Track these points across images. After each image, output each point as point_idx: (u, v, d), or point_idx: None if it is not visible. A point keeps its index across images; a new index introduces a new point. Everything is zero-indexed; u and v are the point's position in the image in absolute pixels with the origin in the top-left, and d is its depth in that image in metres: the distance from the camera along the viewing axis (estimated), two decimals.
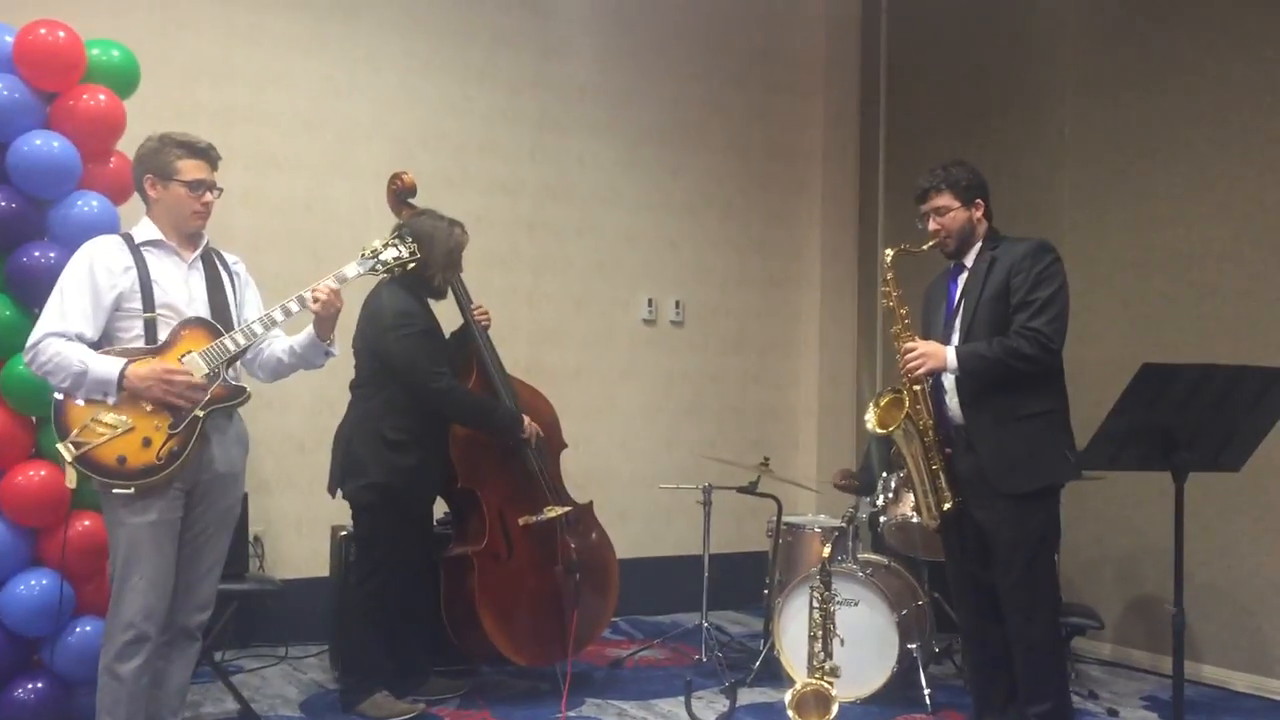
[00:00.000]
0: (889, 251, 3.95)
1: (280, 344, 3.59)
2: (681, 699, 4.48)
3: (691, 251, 6.72)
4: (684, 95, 6.68)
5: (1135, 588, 5.41)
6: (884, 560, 4.95)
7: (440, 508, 4.84)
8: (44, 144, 3.93)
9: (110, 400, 3.22)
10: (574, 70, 6.33)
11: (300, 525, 5.54)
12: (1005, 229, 4.02)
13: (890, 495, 5.04)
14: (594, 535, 4.86)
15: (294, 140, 5.58)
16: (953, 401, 3.81)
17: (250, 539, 5.13)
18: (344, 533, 4.81)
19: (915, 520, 4.92)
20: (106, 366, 3.21)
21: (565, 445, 4.96)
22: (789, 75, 7.03)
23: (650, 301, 6.59)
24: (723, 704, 4.51)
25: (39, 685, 3.91)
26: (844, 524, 4.80)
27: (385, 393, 4.37)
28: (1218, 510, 5.07)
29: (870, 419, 3.88)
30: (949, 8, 6.62)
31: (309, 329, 3.56)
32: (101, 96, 4.08)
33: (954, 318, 3.87)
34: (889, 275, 3.91)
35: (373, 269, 3.57)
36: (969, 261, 3.89)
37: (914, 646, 4.71)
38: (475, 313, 4.70)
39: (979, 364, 3.70)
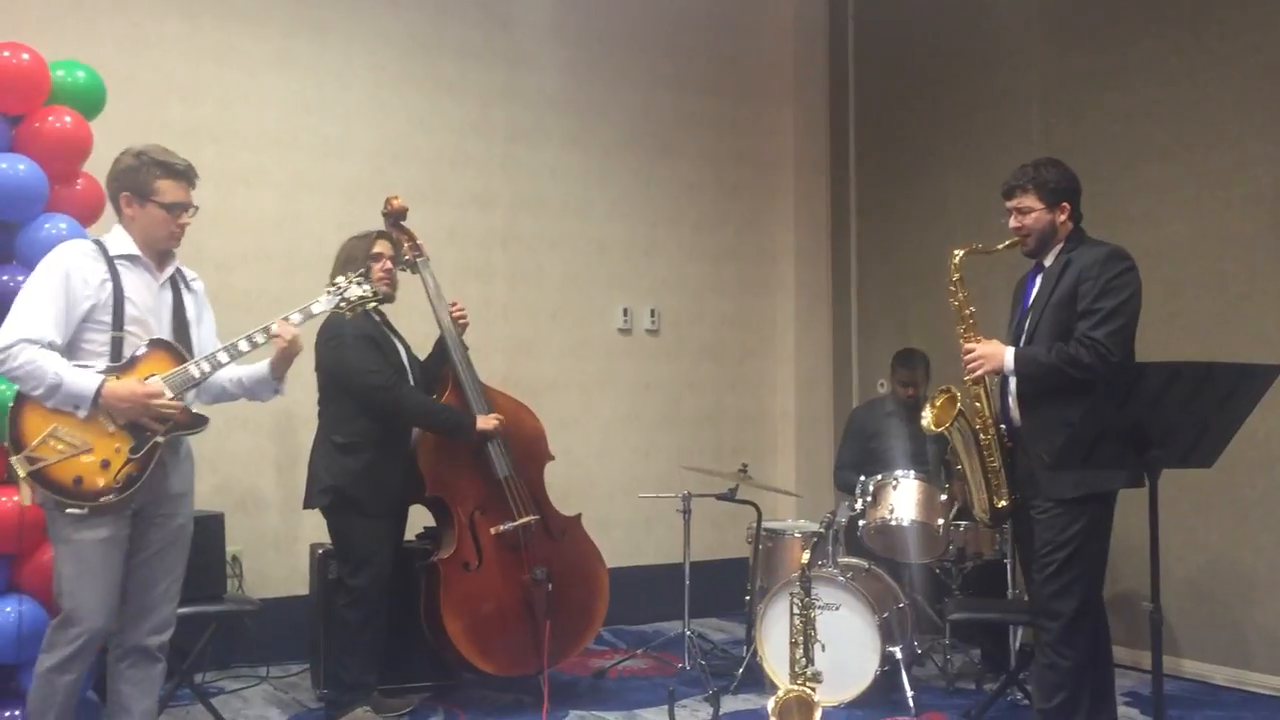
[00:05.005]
0: (958, 252, 3.92)
1: (228, 372, 3.53)
2: (665, 708, 4.48)
3: (665, 260, 6.74)
4: (653, 105, 6.70)
5: (1112, 585, 5.40)
6: (864, 564, 4.96)
7: (426, 520, 4.85)
8: (10, 167, 3.91)
9: (81, 414, 3.18)
10: (543, 82, 6.34)
11: (278, 544, 5.51)
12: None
13: (869, 499, 5.05)
14: (580, 547, 4.86)
15: (264, 158, 5.56)
16: (1014, 403, 3.80)
17: (228, 559, 5.09)
18: (322, 550, 4.79)
19: (894, 523, 4.96)
20: (83, 381, 3.18)
21: (552, 457, 4.96)
22: (758, 83, 7.06)
23: (625, 311, 6.60)
24: (706, 712, 4.52)
25: (16, 713, 3.87)
26: (823, 529, 4.81)
27: (334, 404, 4.46)
28: (1192, 506, 5.11)
29: (927, 417, 3.88)
30: (916, 13, 6.67)
31: (263, 364, 3.54)
32: (68, 118, 4.06)
33: (1024, 319, 3.84)
34: (956, 276, 3.89)
35: (337, 305, 3.57)
36: (1048, 262, 3.83)
37: (896, 649, 4.72)
38: (453, 310, 4.72)
39: (1035, 369, 3.68)
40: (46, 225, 3.97)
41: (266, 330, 3.42)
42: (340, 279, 3.63)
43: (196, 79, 5.41)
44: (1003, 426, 3.83)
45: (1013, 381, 3.79)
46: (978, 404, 3.82)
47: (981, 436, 3.80)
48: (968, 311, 3.88)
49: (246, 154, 5.52)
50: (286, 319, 3.45)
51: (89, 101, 4.20)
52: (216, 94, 5.45)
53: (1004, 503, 3.80)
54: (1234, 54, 5.12)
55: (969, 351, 3.80)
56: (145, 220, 3.38)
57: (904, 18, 6.74)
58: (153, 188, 3.35)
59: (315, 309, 3.54)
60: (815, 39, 7.18)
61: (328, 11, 5.74)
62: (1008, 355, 3.73)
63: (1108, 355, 3.57)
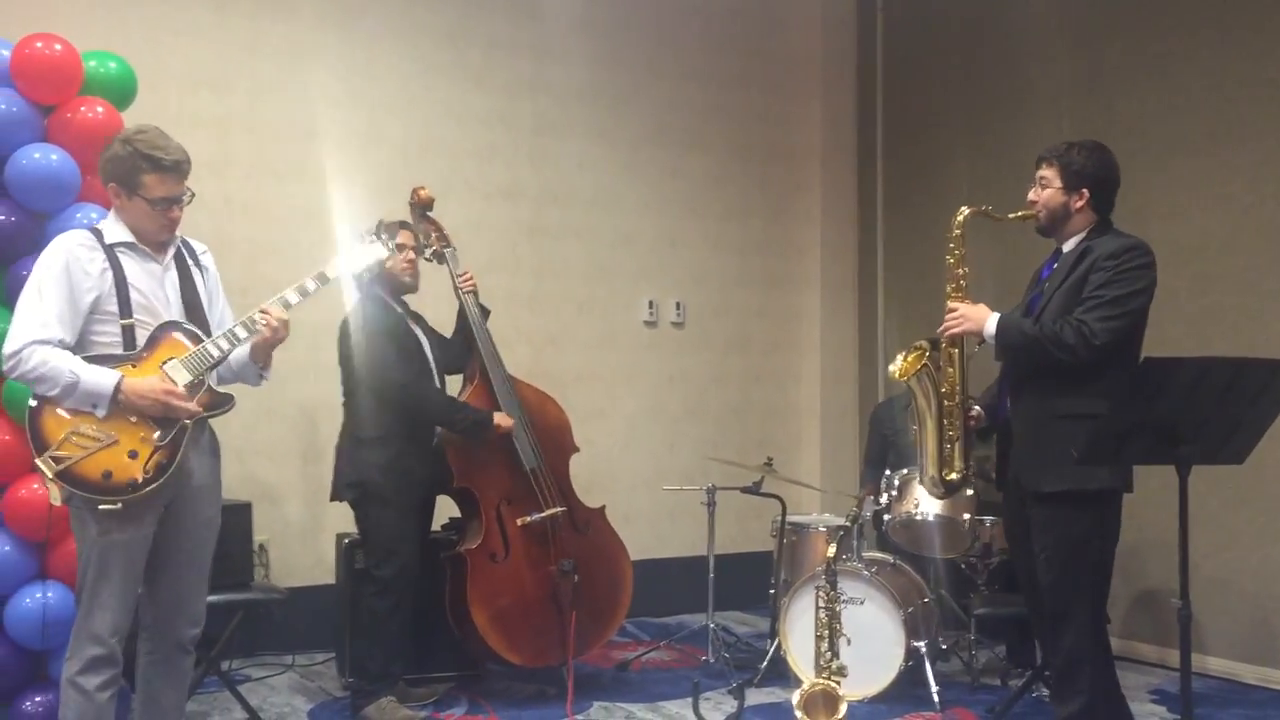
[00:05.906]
0: (965, 209, 3.78)
1: None
2: (689, 700, 4.49)
3: (691, 253, 6.73)
4: (681, 97, 6.68)
5: (1141, 581, 5.41)
6: (889, 558, 4.95)
7: (452, 511, 4.87)
8: (42, 157, 3.93)
9: (100, 413, 3.08)
10: (571, 73, 6.34)
11: (305, 533, 5.55)
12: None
13: (895, 493, 5.04)
14: (604, 539, 4.87)
15: (292, 149, 5.59)
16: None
17: (255, 548, 5.13)
18: (348, 540, 4.82)
19: (920, 518, 4.94)
20: (100, 379, 3.08)
21: (577, 449, 4.97)
22: (786, 76, 7.04)
23: (651, 303, 6.59)
24: (730, 705, 4.52)
25: (47, 698, 3.91)
26: (849, 522, 4.79)
27: (357, 398, 4.47)
28: (1222, 502, 5.07)
29: (894, 366, 3.72)
30: (944, 6, 6.62)
31: (246, 348, 3.37)
32: (99, 108, 4.08)
33: (1035, 301, 3.70)
34: (957, 233, 3.75)
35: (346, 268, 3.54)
36: (1067, 248, 3.69)
37: (921, 644, 4.71)
38: (460, 279, 4.73)
39: (1016, 338, 3.54)
40: (78, 215, 3.99)
41: (285, 304, 3.34)
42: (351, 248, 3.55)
43: (226, 70, 5.43)
44: (972, 400, 3.72)
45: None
46: (950, 369, 3.67)
47: (946, 402, 3.67)
48: (960, 271, 3.72)
49: (275, 145, 5.54)
50: (282, 298, 3.33)
51: (120, 92, 4.22)
52: (246, 85, 5.48)
53: (954, 475, 3.67)
54: (1266, 48, 5.06)
55: (951, 310, 3.65)
56: (133, 212, 3.25)
57: (932, 10, 6.70)
58: (139, 182, 3.19)
59: (330, 272, 3.46)
60: (843, 32, 7.15)
61: (357, 3, 5.76)
62: (990, 320, 3.58)
63: (1091, 339, 3.43)
